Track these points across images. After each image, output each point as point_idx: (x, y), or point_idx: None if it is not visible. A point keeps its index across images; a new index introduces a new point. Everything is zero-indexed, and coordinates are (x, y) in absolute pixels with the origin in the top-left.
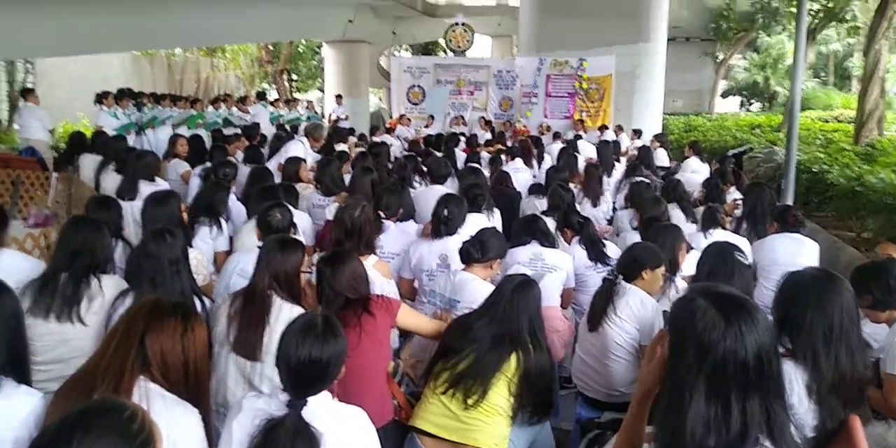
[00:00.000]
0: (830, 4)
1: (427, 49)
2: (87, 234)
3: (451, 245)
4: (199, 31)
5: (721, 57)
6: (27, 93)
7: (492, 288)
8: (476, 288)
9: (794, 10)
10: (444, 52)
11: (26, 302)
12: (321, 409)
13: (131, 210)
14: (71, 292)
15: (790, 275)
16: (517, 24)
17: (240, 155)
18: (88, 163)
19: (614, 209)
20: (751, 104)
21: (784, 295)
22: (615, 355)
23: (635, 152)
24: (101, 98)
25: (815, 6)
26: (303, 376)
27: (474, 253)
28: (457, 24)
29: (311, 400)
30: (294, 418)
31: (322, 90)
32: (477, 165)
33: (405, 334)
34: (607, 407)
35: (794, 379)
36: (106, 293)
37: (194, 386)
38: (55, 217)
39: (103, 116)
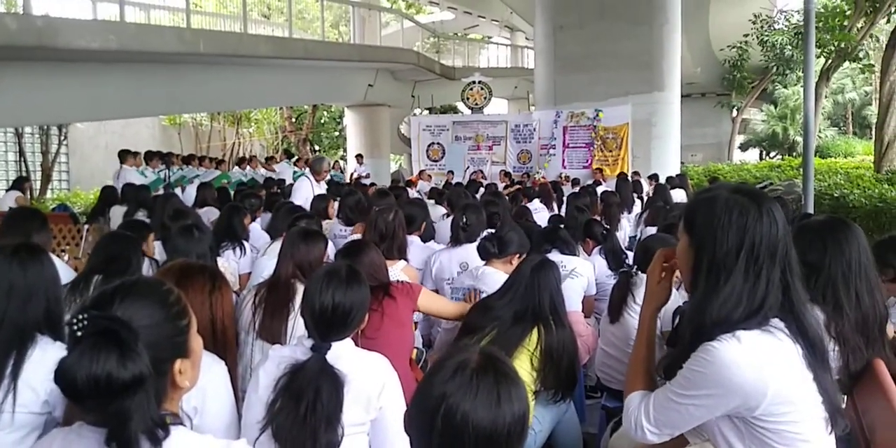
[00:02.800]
0: (842, 44)
1: (445, 111)
2: (122, 244)
3: (472, 252)
4: (225, 95)
5: (737, 108)
6: (124, 155)
7: None
8: (498, 279)
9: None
10: (463, 113)
11: None
12: (345, 354)
13: (160, 249)
14: None
15: (801, 223)
16: (533, 85)
17: None
18: (118, 214)
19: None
20: (770, 156)
21: (799, 241)
22: None
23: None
24: (123, 156)
25: (829, 48)
26: (326, 321)
27: (491, 248)
28: (474, 82)
29: (335, 345)
30: (318, 360)
31: (345, 159)
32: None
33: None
34: None
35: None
36: None
37: (221, 343)
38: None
39: (131, 174)
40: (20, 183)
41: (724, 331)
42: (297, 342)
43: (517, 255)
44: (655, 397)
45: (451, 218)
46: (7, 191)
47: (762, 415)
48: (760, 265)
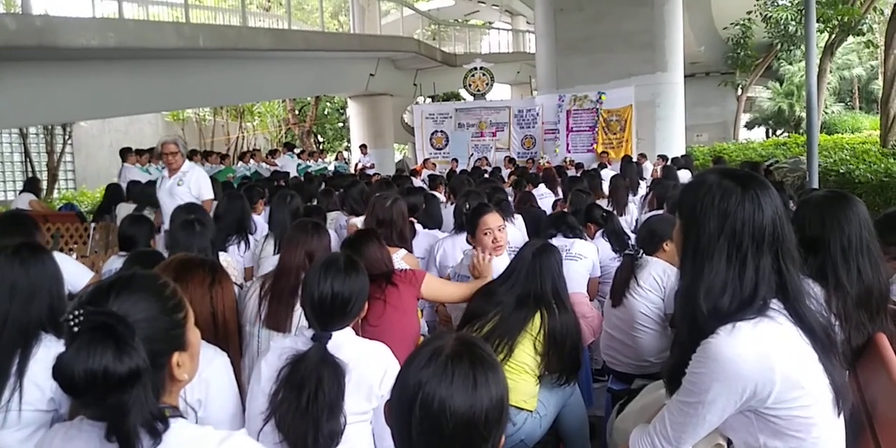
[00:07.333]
0: (845, 19)
1: (447, 99)
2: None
3: None
4: (226, 89)
5: (742, 87)
6: (125, 153)
7: None
8: (500, 266)
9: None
10: (465, 100)
11: None
12: (345, 343)
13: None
14: None
15: (803, 199)
16: (535, 70)
17: None
18: (124, 211)
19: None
20: (777, 134)
21: (799, 217)
22: (642, 326)
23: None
24: (124, 154)
25: (832, 22)
26: (326, 310)
27: None
28: (476, 68)
29: (336, 334)
30: (319, 349)
31: (349, 150)
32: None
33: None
34: (637, 378)
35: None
36: None
37: (223, 335)
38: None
39: (133, 172)
40: (32, 185)
41: (721, 323)
42: (297, 333)
43: None
44: (668, 413)
45: (453, 205)
46: (20, 193)
47: (774, 403)
48: (744, 251)
